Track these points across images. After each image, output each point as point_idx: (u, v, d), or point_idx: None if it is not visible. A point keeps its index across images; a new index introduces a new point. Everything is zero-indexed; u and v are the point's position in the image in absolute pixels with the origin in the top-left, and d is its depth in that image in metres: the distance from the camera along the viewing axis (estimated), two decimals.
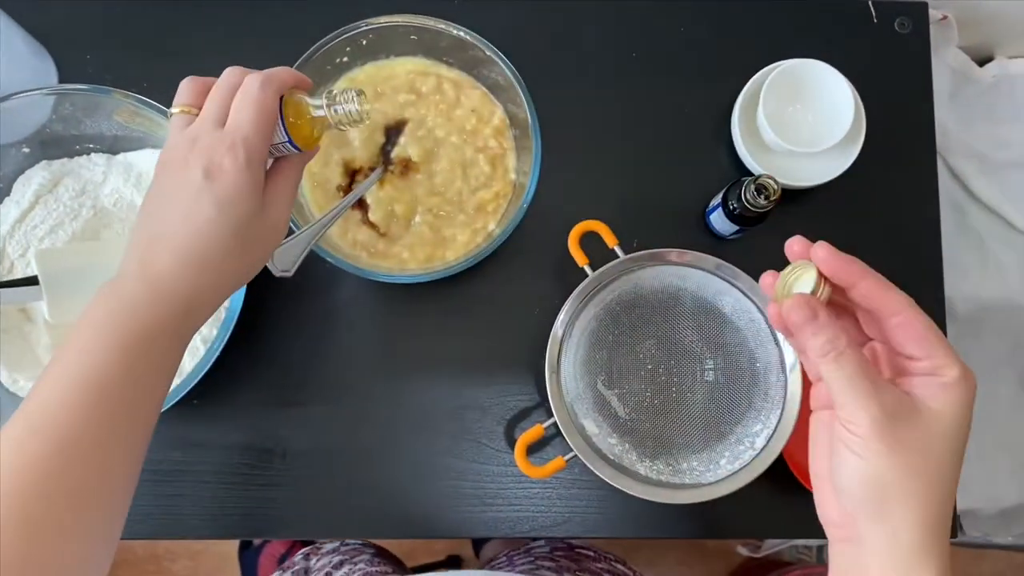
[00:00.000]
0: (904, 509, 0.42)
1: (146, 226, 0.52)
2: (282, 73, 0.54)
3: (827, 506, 0.46)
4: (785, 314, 0.44)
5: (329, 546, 0.92)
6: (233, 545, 1.60)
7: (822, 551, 1.59)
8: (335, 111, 0.54)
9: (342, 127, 0.56)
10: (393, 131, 0.74)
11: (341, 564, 0.88)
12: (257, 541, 1.55)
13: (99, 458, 0.46)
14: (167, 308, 0.49)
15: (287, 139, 0.52)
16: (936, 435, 0.43)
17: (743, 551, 1.37)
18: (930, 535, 0.42)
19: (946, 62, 0.97)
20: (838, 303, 0.47)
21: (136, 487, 0.50)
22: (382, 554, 0.97)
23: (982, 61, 1.00)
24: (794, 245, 0.46)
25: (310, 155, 0.58)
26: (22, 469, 0.43)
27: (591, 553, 0.85)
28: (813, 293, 0.44)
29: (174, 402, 0.65)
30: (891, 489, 0.42)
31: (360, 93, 0.55)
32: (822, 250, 0.44)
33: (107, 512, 0.47)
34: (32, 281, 0.66)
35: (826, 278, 0.44)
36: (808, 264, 0.45)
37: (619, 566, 0.84)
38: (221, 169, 0.50)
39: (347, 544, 0.93)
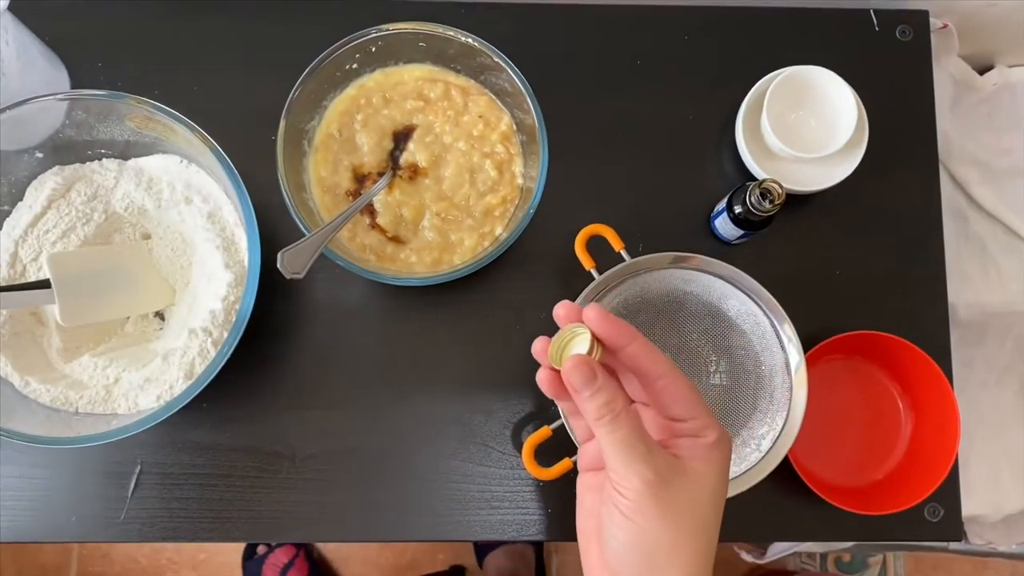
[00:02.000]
0: (673, 567, 0.43)
1: None
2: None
3: (592, 565, 0.47)
4: (565, 376, 0.44)
5: None
6: (236, 554, 1.60)
7: (825, 560, 1.59)
8: None
9: None
10: (401, 137, 0.75)
11: None
12: (261, 550, 1.55)
13: None
14: None
15: None
16: (702, 494, 0.45)
17: (747, 557, 1.37)
18: None
19: (947, 70, 0.97)
20: (604, 365, 0.47)
21: None
22: None
23: (983, 70, 1.01)
24: (560, 309, 0.46)
25: None
26: None
27: None
28: (588, 354, 0.44)
29: (183, 405, 0.66)
30: (661, 549, 0.43)
31: None
32: (593, 312, 0.45)
33: None
34: (44, 284, 0.67)
35: (599, 340, 0.45)
36: (579, 327, 0.45)
37: None
38: None
39: None
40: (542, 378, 0.47)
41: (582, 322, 0.45)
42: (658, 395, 0.46)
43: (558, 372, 0.46)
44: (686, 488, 0.44)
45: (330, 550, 1.62)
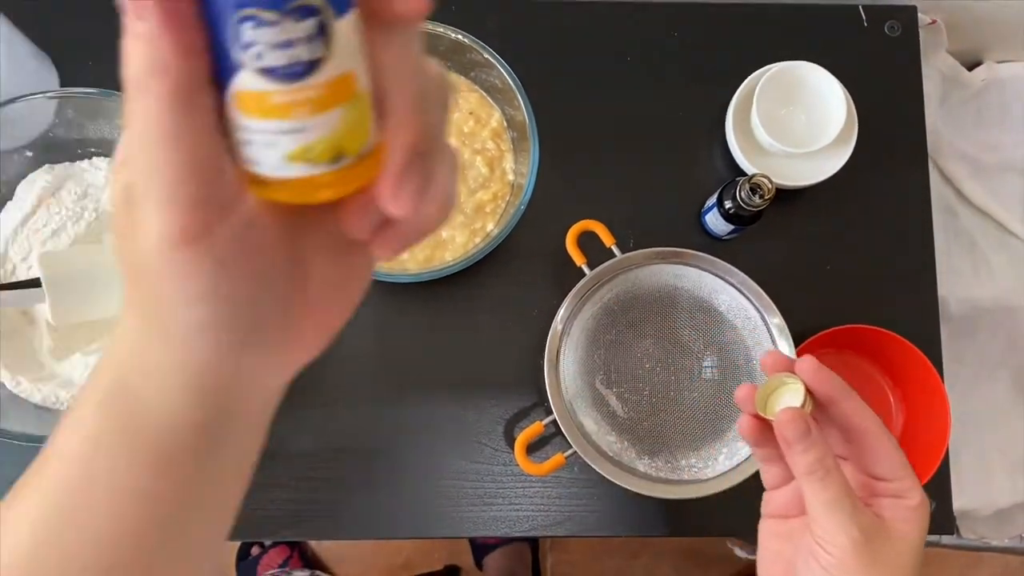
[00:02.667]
0: None
1: None
2: None
3: None
4: (778, 428, 0.44)
5: (299, 574, 0.90)
6: (230, 556, 1.59)
7: None
8: None
9: None
10: None
11: None
12: (255, 551, 1.55)
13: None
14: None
15: None
16: (905, 555, 0.44)
17: (741, 553, 1.37)
18: None
19: (936, 66, 0.98)
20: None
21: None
22: None
23: (971, 65, 1.02)
24: (768, 359, 0.46)
25: None
26: None
27: None
28: (801, 407, 0.44)
29: None
30: None
31: None
32: (807, 364, 0.44)
33: None
34: (35, 284, 0.67)
35: (810, 392, 0.45)
36: (788, 377, 0.45)
37: None
38: None
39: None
40: (744, 425, 0.46)
41: (792, 372, 0.45)
42: (863, 452, 0.46)
43: (761, 420, 0.45)
44: (890, 549, 0.44)
45: (324, 550, 1.61)
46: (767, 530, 0.51)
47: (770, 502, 0.51)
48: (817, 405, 0.45)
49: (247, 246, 0.26)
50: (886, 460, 0.45)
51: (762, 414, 0.45)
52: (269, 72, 0.22)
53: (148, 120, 0.23)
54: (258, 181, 0.24)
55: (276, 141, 0.23)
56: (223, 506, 0.34)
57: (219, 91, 0.23)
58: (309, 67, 0.22)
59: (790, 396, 0.44)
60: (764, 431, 0.45)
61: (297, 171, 0.23)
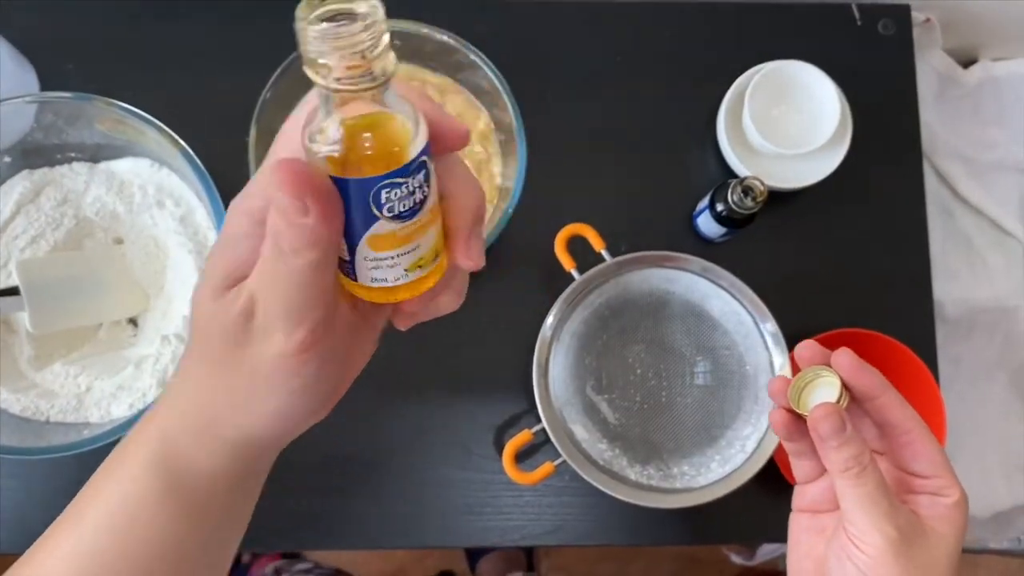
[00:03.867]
0: None
1: None
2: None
3: None
4: (812, 423, 0.43)
5: (301, 565, 0.90)
6: None
7: None
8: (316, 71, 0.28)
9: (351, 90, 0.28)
10: None
11: None
12: (245, 559, 1.53)
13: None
14: (151, 423, 0.38)
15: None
16: (942, 555, 0.43)
17: (737, 559, 1.36)
18: None
19: (931, 64, 0.97)
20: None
21: None
22: None
23: (966, 63, 1.01)
24: (805, 351, 0.45)
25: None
26: None
27: None
28: (836, 402, 0.43)
29: None
30: None
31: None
32: (846, 358, 0.44)
33: None
34: (13, 291, 0.65)
35: (847, 387, 0.44)
36: (824, 370, 0.44)
37: None
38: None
39: (320, 568, 0.91)
40: (776, 419, 0.45)
41: (828, 365, 0.44)
42: (901, 449, 0.45)
43: (793, 413, 0.44)
44: (927, 548, 0.43)
45: (316, 557, 1.60)
46: (798, 524, 0.49)
47: (802, 496, 0.49)
48: (853, 399, 0.44)
49: (338, 343, 0.34)
50: (925, 457, 0.44)
51: (795, 408, 0.44)
52: (398, 217, 0.29)
53: (293, 273, 0.29)
54: (382, 291, 0.32)
55: (399, 261, 0.30)
56: (235, 541, 0.42)
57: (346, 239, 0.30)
58: (422, 203, 0.29)
59: (825, 390, 0.43)
60: (797, 425, 0.44)
61: (413, 276, 0.31)
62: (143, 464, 0.37)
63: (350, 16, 0.26)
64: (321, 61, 0.26)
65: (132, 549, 0.36)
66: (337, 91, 0.26)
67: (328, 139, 0.28)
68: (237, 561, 1.54)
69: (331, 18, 0.26)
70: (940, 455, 0.45)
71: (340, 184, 0.28)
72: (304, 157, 0.29)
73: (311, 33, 0.26)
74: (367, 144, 0.27)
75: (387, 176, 0.28)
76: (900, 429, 0.44)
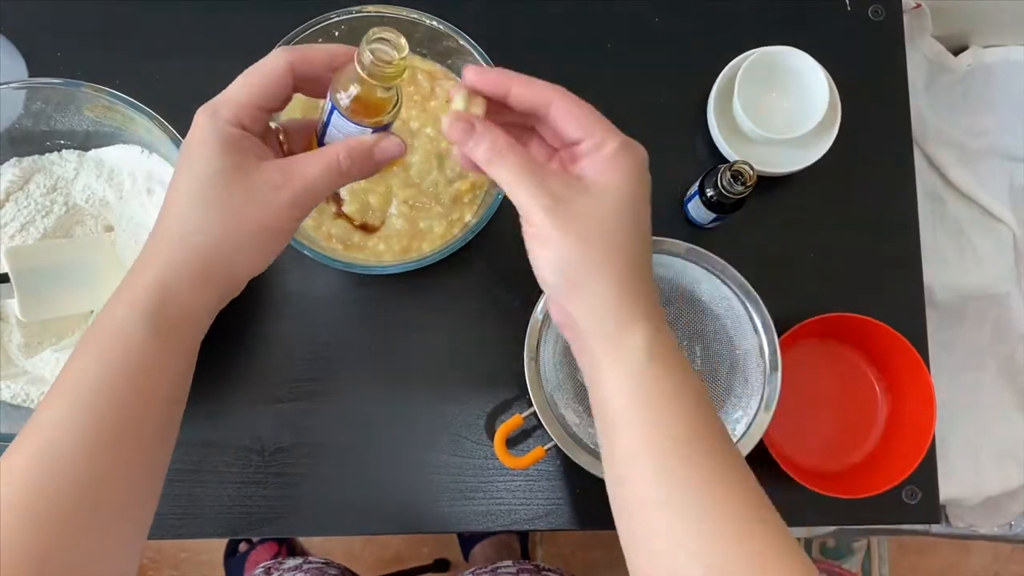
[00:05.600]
0: (593, 280, 0.45)
1: None
2: (306, 49, 0.49)
3: (553, 312, 0.49)
4: (448, 134, 0.46)
5: (291, 562, 0.90)
6: (218, 553, 1.58)
7: (810, 546, 1.59)
8: (362, 61, 0.45)
9: (376, 81, 0.46)
10: None
11: None
12: (242, 547, 1.54)
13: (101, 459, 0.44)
14: (136, 282, 0.46)
15: (332, 109, 0.48)
16: (608, 205, 0.45)
17: None
18: (628, 295, 0.45)
19: (921, 51, 0.97)
20: (518, 124, 0.49)
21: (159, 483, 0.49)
22: (347, 574, 0.95)
23: (957, 50, 1.01)
24: (469, 73, 0.47)
25: (385, 144, 0.50)
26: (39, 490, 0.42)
27: (556, 574, 0.85)
28: (465, 110, 0.46)
29: None
30: (572, 265, 0.44)
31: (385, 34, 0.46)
32: (469, 71, 0.47)
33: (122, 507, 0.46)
34: (2, 279, 0.65)
35: (476, 93, 0.46)
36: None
37: None
38: (193, 128, 0.47)
39: (310, 563, 0.91)
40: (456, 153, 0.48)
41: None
42: (554, 125, 0.47)
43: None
44: (588, 205, 0.44)
45: (313, 546, 1.60)
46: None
47: None
48: (493, 101, 0.47)
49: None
50: (573, 121, 0.46)
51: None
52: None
53: (331, 181, 0.48)
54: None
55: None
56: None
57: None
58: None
59: (457, 103, 0.47)
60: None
61: None
62: (142, 312, 0.45)
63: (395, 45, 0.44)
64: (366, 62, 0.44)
65: (138, 384, 0.45)
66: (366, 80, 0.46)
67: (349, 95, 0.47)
68: (234, 550, 1.54)
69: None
70: (588, 115, 0.46)
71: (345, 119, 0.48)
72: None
73: (370, 44, 0.44)
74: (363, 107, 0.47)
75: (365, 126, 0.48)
76: (541, 104, 0.46)
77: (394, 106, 0.48)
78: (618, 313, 0.45)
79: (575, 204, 0.44)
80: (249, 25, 0.80)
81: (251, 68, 0.48)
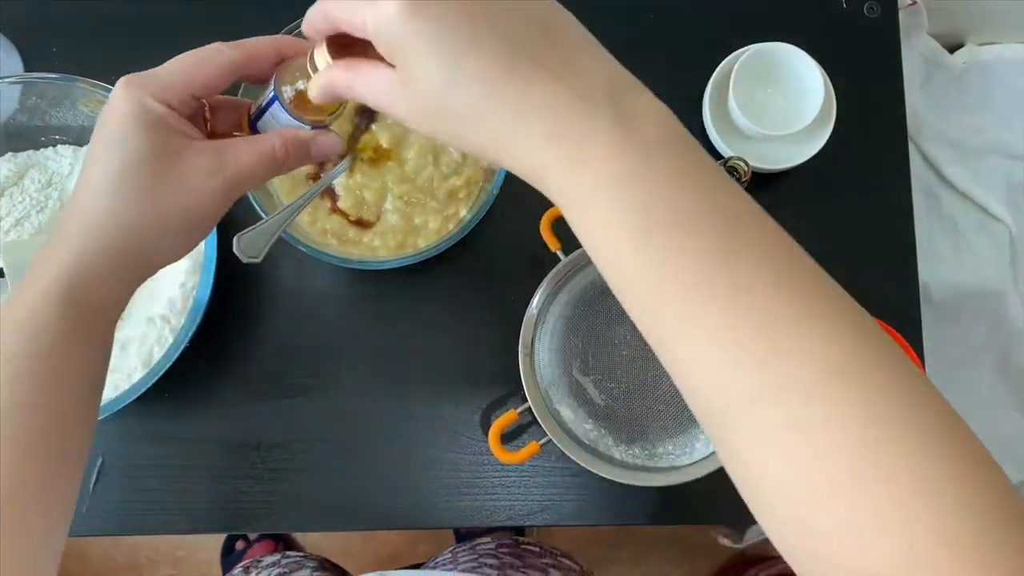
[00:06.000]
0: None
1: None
2: (252, 45, 0.47)
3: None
4: (319, 95, 0.43)
5: (269, 559, 0.90)
6: (215, 551, 1.58)
7: None
8: (315, 63, 0.43)
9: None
10: (363, 118, 0.73)
11: None
12: (240, 545, 1.54)
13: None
14: (46, 272, 0.43)
15: (274, 99, 0.47)
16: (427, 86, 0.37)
17: (725, 542, 1.37)
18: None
19: (917, 49, 0.97)
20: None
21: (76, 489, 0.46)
22: (326, 566, 0.94)
23: (953, 48, 1.01)
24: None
25: (323, 140, 0.49)
26: None
27: (536, 549, 0.84)
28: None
29: (141, 395, 0.64)
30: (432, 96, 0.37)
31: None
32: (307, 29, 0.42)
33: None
34: None
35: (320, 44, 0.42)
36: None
37: (565, 560, 0.83)
38: (111, 100, 0.44)
39: (288, 557, 0.91)
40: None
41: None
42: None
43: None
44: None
45: (310, 544, 1.60)
46: None
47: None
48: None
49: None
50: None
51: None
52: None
53: (266, 170, 0.48)
54: None
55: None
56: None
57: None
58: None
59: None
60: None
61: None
62: (53, 301, 0.42)
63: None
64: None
65: (50, 379, 0.43)
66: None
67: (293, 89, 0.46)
68: (231, 548, 1.54)
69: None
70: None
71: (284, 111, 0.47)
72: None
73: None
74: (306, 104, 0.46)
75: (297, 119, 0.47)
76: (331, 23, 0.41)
77: (339, 108, 0.49)
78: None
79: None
80: (245, 19, 0.80)
81: (191, 53, 0.46)
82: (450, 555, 0.85)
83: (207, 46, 0.46)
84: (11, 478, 0.40)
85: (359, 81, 0.40)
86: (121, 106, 0.43)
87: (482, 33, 0.36)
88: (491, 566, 0.78)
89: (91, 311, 0.44)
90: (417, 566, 1.53)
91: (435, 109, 0.37)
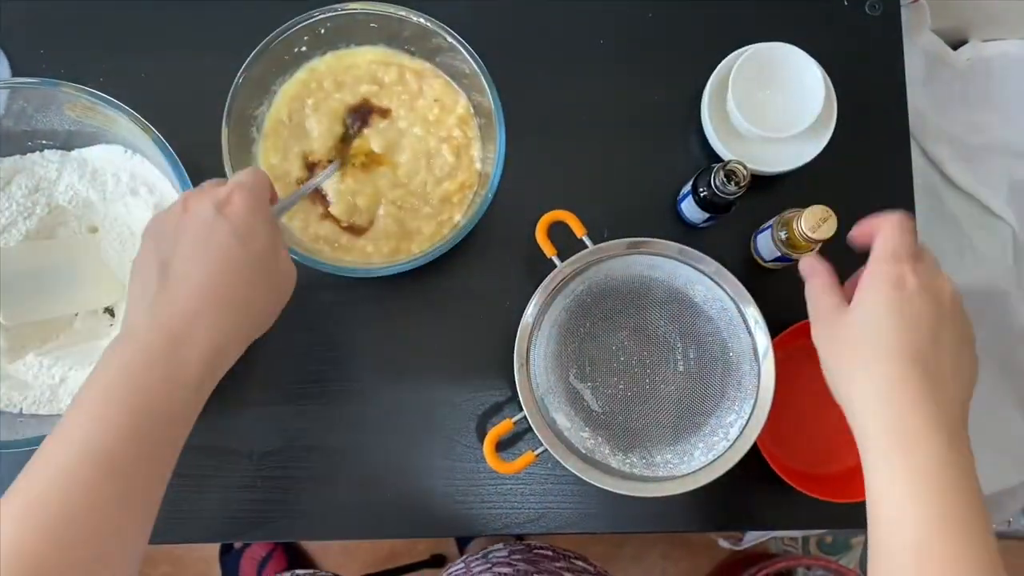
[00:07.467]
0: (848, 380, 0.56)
1: (149, 274, 0.49)
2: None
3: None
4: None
5: (302, 572, 0.90)
6: (213, 548, 1.58)
7: (807, 542, 1.58)
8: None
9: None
10: (356, 121, 0.72)
11: None
12: (238, 544, 1.53)
13: (106, 533, 0.45)
14: (189, 355, 0.48)
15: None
16: (852, 326, 0.56)
17: (725, 544, 1.36)
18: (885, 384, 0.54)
19: (920, 46, 0.96)
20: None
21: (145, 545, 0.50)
22: None
23: (956, 44, 0.99)
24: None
25: None
26: (22, 545, 0.42)
27: (549, 553, 0.84)
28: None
29: None
30: (830, 367, 0.58)
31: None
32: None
33: None
34: None
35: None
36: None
37: (578, 563, 0.83)
38: (230, 202, 0.50)
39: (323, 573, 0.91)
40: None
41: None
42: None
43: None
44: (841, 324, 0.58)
45: (308, 544, 1.60)
46: None
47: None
48: None
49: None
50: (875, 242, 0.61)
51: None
52: None
53: None
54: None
55: None
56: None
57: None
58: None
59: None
60: None
61: None
62: (196, 385, 0.50)
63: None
64: None
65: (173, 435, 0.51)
66: None
67: None
68: (229, 547, 1.54)
69: None
70: (883, 240, 0.60)
71: None
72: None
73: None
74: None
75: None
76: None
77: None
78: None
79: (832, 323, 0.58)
80: (233, 23, 0.79)
81: (250, 170, 0.56)
82: (463, 565, 0.85)
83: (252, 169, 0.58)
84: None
85: (817, 285, 0.62)
86: (248, 203, 0.53)
87: (931, 369, 0.57)
88: (505, 574, 0.77)
89: (212, 382, 0.53)
90: (418, 566, 1.53)
91: (834, 353, 0.58)
